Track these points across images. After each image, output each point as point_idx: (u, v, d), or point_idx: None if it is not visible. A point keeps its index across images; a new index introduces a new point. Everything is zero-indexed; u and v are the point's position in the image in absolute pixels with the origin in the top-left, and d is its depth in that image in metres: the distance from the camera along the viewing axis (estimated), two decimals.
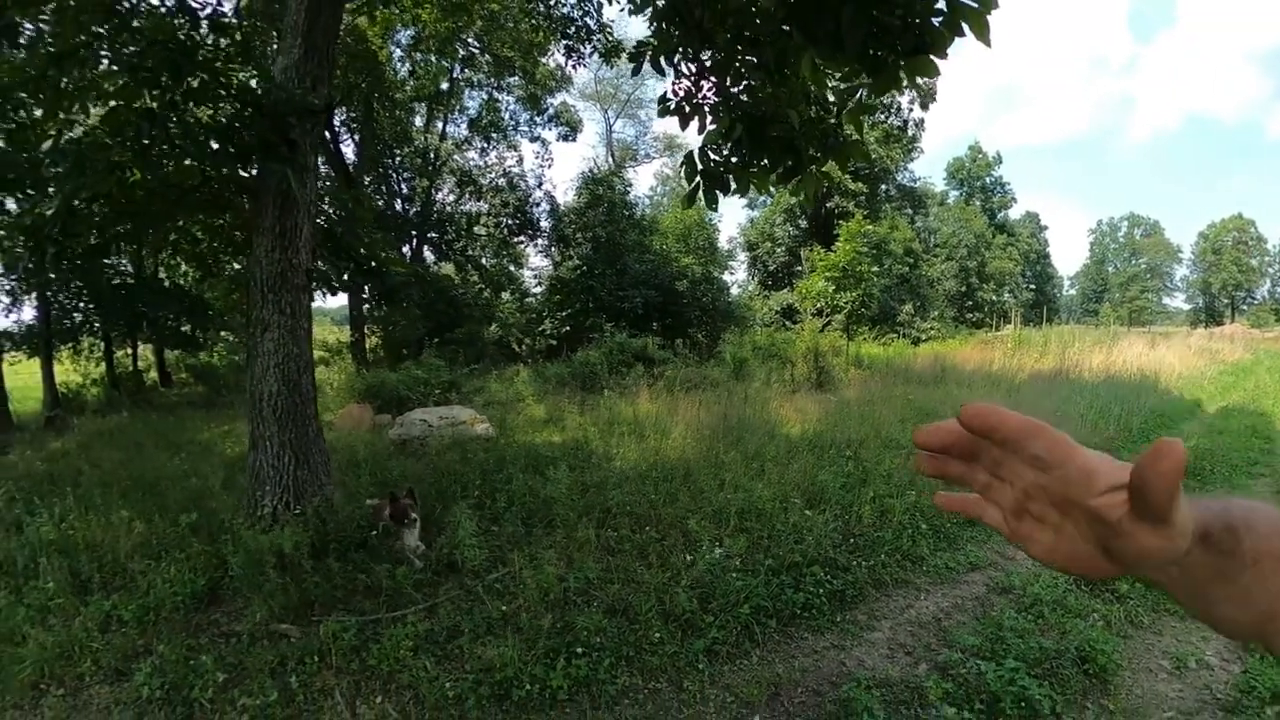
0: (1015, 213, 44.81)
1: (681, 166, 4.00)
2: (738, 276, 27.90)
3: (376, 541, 4.93)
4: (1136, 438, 10.07)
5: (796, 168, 3.78)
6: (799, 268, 26.05)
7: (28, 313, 13.79)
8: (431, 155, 21.78)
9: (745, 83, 3.85)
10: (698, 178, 3.92)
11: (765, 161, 3.84)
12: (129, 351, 16.81)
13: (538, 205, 23.42)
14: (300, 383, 5.39)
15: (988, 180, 43.18)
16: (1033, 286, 45.26)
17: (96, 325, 14.75)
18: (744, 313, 23.17)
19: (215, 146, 5.29)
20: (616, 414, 9.99)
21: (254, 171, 5.58)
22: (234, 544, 4.57)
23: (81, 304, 14.24)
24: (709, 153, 3.85)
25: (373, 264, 7.16)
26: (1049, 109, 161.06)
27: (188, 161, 5.33)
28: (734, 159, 3.84)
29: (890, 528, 5.82)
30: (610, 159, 30.41)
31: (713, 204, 4.03)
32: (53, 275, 12.04)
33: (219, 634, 4.00)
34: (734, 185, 3.96)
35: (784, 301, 24.87)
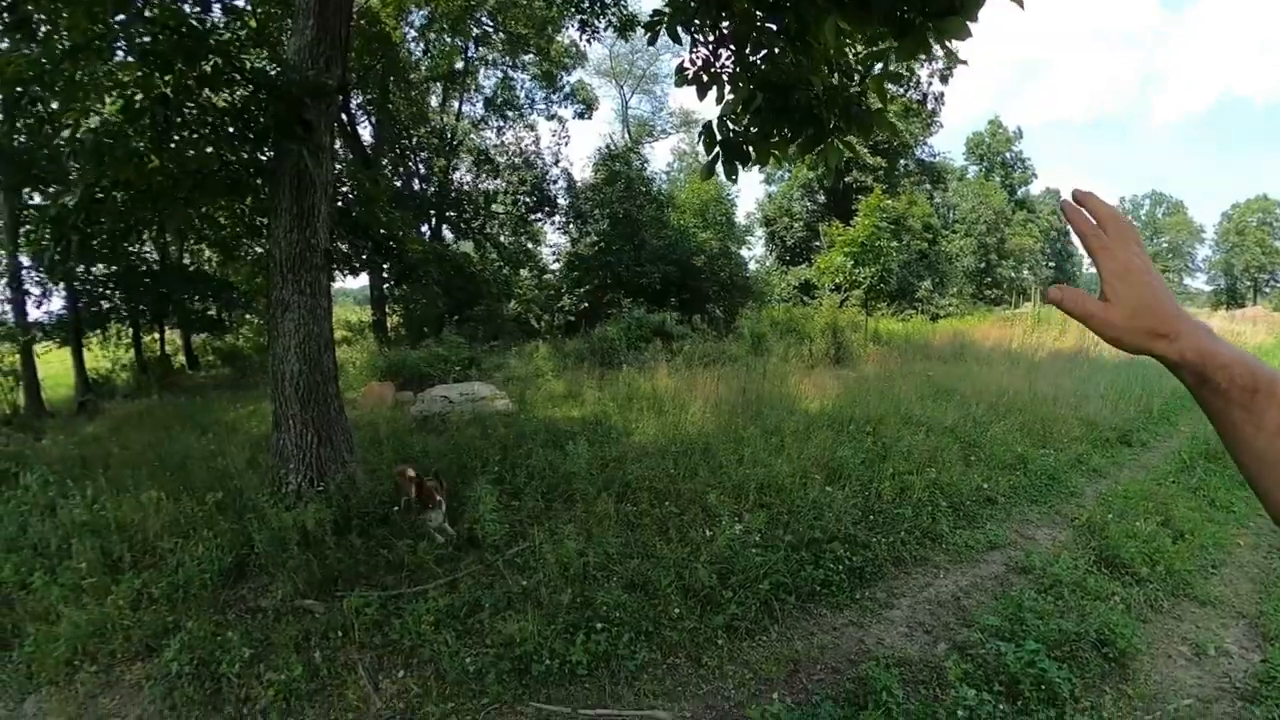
0: (1035, 189, 43.57)
1: (700, 138, 3.87)
2: (755, 252, 27.62)
3: (399, 516, 4.93)
4: (1157, 420, 9.84)
5: (818, 138, 3.63)
6: (817, 243, 25.65)
7: (56, 303, 13.97)
8: (448, 135, 21.66)
9: (765, 50, 3.69)
10: (716, 148, 3.79)
11: (786, 131, 3.69)
12: (156, 336, 17.01)
13: (555, 183, 23.26)
14: (321, 361, 5.37)
15: (1008, 155, 41.90)
16: (1052, 264, 44.21)
17: (124, 312, 14.89)
18: (762, 288, 22.95)
19: (231, 130, 5.29)
20: (635, 389, 9.92)
21: (270, 154, 5.55)
22: (258, 522, 4.59)
23: (109, 291, 14.39)
24: (728, 123, 3.71)
25: (391, 243, 7.18)
26: (1073, 85, 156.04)
27: (207, 149, 5.36)
28: (753, 129, 3.70)
29: (910, 504, 5.73)
30: (626, 135, 30.00)
31: (732, 175, 3.90)
32: (79, 265, 12.16)
33: (245, 610, 4.05)
34: (753, 156, 3.83)
35: (802, 277, 24.55)
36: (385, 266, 18.27)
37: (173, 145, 5.22)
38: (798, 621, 4.23)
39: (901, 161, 27.73)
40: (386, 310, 20.07)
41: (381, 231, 6.77)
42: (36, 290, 13.63)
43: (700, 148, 3.96)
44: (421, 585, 4.19)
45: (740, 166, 3.91)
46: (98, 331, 14.65)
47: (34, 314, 13.23)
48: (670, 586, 4.16)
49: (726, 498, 5.47)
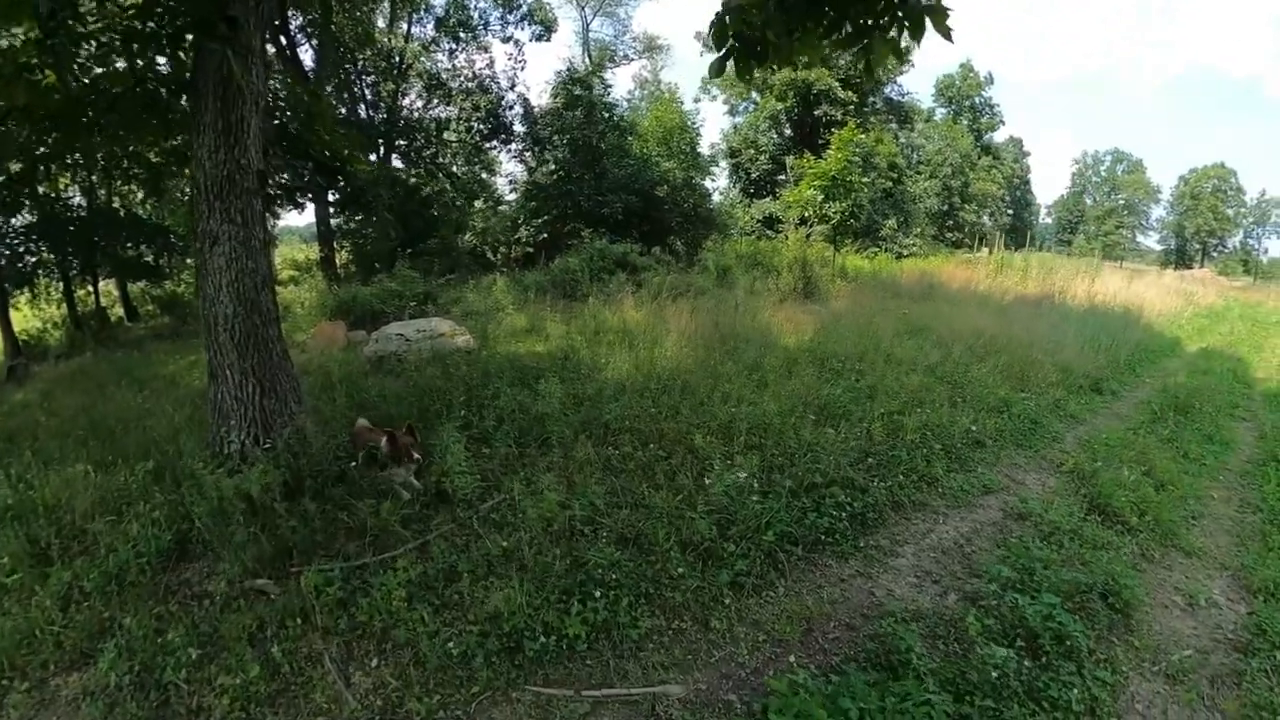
0: (1000, 136, 43.27)
1: (709, 30, 3.25)
2: (719, 184, 26.72)
3: (357, 473, 4.35)
4: (1124, 369, 9.89)
5: (861, 34, 3.03)
6: (782, 177, 25.04)
7: None
8: (396, 58, 19.87)
9: None
10: (730, 42, 3.18)
11: (820, 24, 3.08)
12: (90, 290, 15.49)
13: (511, 109, 21.68)
14: (259, 301, 4.65)
15: (977, 100, 41.24)
16: (1010, 211, 44.55)
17: (52, 265, 13.55)
18: (725, 220, 22.29)
19: (141, 28, 4.41)
20: (602, 322, 9.44)
21: (190, 59, 4.69)
22: (197, 492, 3.94)
23: (31, 243, 13.04)
24: (745, 11, 3.09)
25: (336, 164, 6.25)
26: (1053, 45, 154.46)
27: (117, 62, 4.58)
28: (776, 20, 3.07)
29: (904, 446, 5.46)
30: (587, 59, 28.25)
31: (745, 75, 3.31)
32: None
33: (190, 596, 3.47)
34: (772, 54, 3.22)
35: (766, 210, 24.00)
36: (331, 193, 16.91)
37: (72, 56, 4.38)
38: (804, 574, 3.94)
39: (871, 98, 26.99)
40: (335, 246, 18.75)
41: (325, 153, 5.83)
42: None
43: (709, 37, 3.34)
44: (389, 552, 3.68)
45: (755, 66, 3.32)
46: (24, 290, 13.26)
47: None
48: (667, 540, 3.79)
49: (714, 439, 5.09)
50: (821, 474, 4.68)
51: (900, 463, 5.22)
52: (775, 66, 3.19)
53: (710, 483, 4.38)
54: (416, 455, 4.19)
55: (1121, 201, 62.85)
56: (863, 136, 16.55)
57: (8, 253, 12.57)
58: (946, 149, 33.53)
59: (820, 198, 15.16)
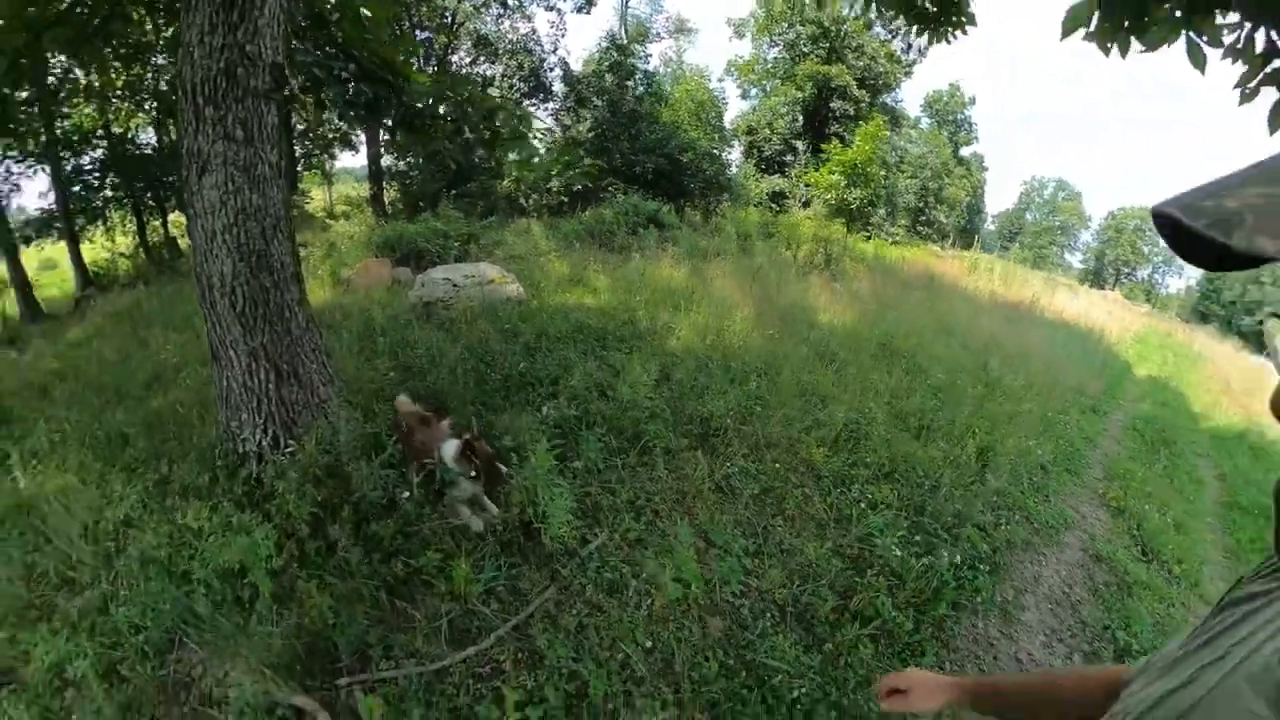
0: (966, 151, 41.60)
1: None
2: (733, 156, 24.77)
3: (411, 499, 2.63)
4: (1109, 389, 8.76)
5: None
6: (790, 158, 23.00)
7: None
8: (449, 16, 17.61)
9: None
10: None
11: None
12: (160, 222, 13.62)
13: (551, 70, 19.66)
14: (268, 254, 2.86)
15: (959, 117, 39.75)
16: (965, 215, 43.40)
17: (124, 199, 12.20)
18: (740, 190, 20.47)
19: None
20: (646, 278, 7.85)
21: None
22: (194, 552, 2.29)
23: (99, 179, 11.82)
24: None
25: (389, 76, 4.22)
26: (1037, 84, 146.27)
27: None
28: None
29: (1004, 472, 4.14)
30: (624, 33, 25.55)
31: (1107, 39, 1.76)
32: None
33: (200, 700, 1.95)
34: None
35: (775, 186, 22.14)
36: (385, 120, 14.61)
37: None
38: (962, 642, 2.69)
39: (881, 98, 24.77)
40: (384, 185, 16.72)
41: (372, 60, 3.80)
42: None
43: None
44: (473, 645, 2.14)
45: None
46: (96, 224, 11.76)
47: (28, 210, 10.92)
48: (840, 620, 2.50)
49: (827, 451, 3.69)
50: (954, 514, 3.33)
51: (1007, 495, 3.93)
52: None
53: (845, 516, 3.02)
54: (502, 468, 2.59)
55: (1058, 223, 62.56)
56: (887, 133, 14.76)
57: (80, 190, 11.30)
58: (929, 154, 31.61)
59: (843, 183, 13.45)
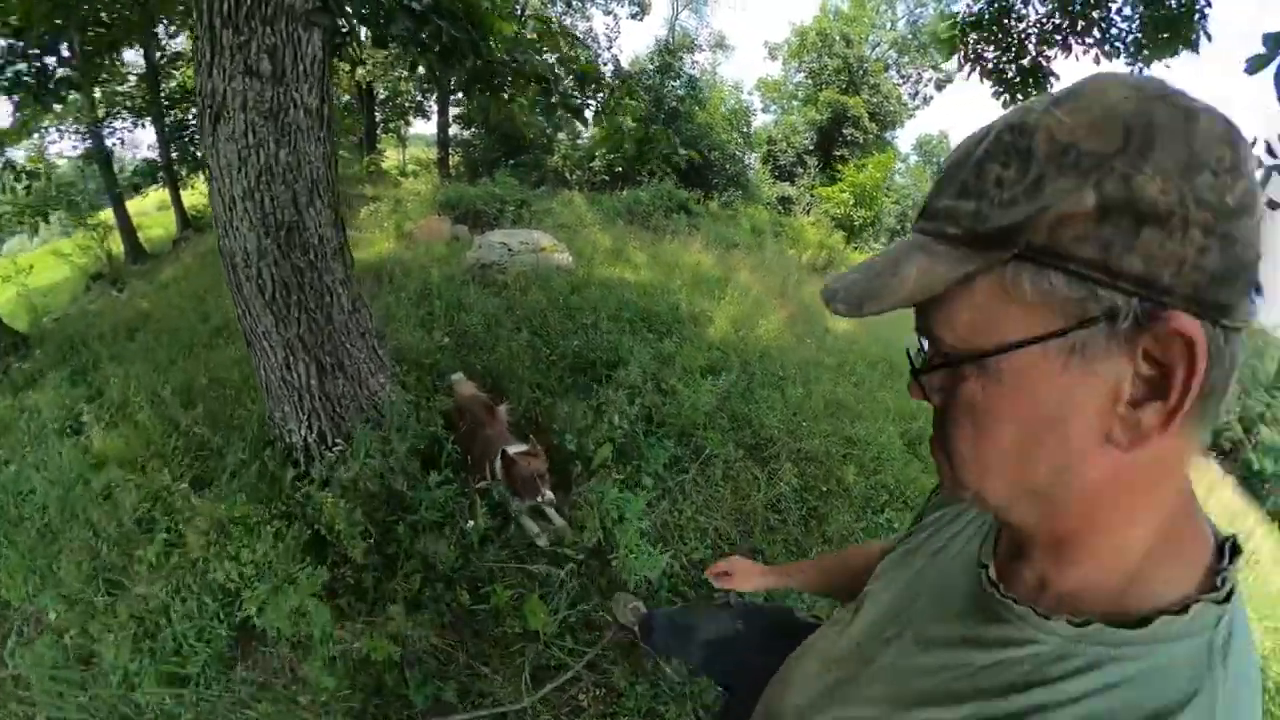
0: None
1: None
2: (751, 160, 23.31)
3: (474, 518, 1.93)
4: None
5: None
6: (800, 170, 21.59)
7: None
8: (519, 7, 15.94)
9: None
10: None
11: None
12: None
13: (606, 65, 17.96)
14: (303, 226, 1.92)
15: (940, 161, 37.40)
16: None
17: None
18: (755, 190, 19.27)
19: None
20: (681, 261, 7.02)
21: None
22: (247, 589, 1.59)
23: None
24: None
25: (469, 24, 3.04)
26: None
27: None
28: None
29: None
30: (672, 38, 23.64)
31: None
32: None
33: None
34: None
35: (784, 192, 20.93)
36: (447, 51, 13.20)
37: None
38: None
39: (887, 133, 23.15)
40: (450, 150, 15.42)
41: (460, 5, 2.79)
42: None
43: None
44: (550, 684, 1.57)
45: None
46: (197, 174, 10.42)
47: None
48: None
49: (858, 472, 3.00)
50: None
51: None
52: None
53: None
54: (546, 493, 1.81)
55: None
56: (895, 164, 13.63)
57: (182, 142, 10.16)
58: (912, 187, 30.05)
59: (851, 201, 12.38)
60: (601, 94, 3.54)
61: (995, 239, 0.32)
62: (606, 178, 15.29)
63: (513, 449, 1.79)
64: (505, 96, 3.63)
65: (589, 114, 3.87)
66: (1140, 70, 3.23)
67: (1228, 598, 0.34)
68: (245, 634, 1.60)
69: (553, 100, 2.92)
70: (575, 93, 3.33)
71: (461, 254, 5.92)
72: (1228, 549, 0.35)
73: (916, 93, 24.71)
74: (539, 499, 1.77)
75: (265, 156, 1.78)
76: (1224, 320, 0.30)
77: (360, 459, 1.96)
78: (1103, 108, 0.31)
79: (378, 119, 15.24)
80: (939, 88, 24.70)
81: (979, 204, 0.33)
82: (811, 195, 16.54)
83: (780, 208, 20.67)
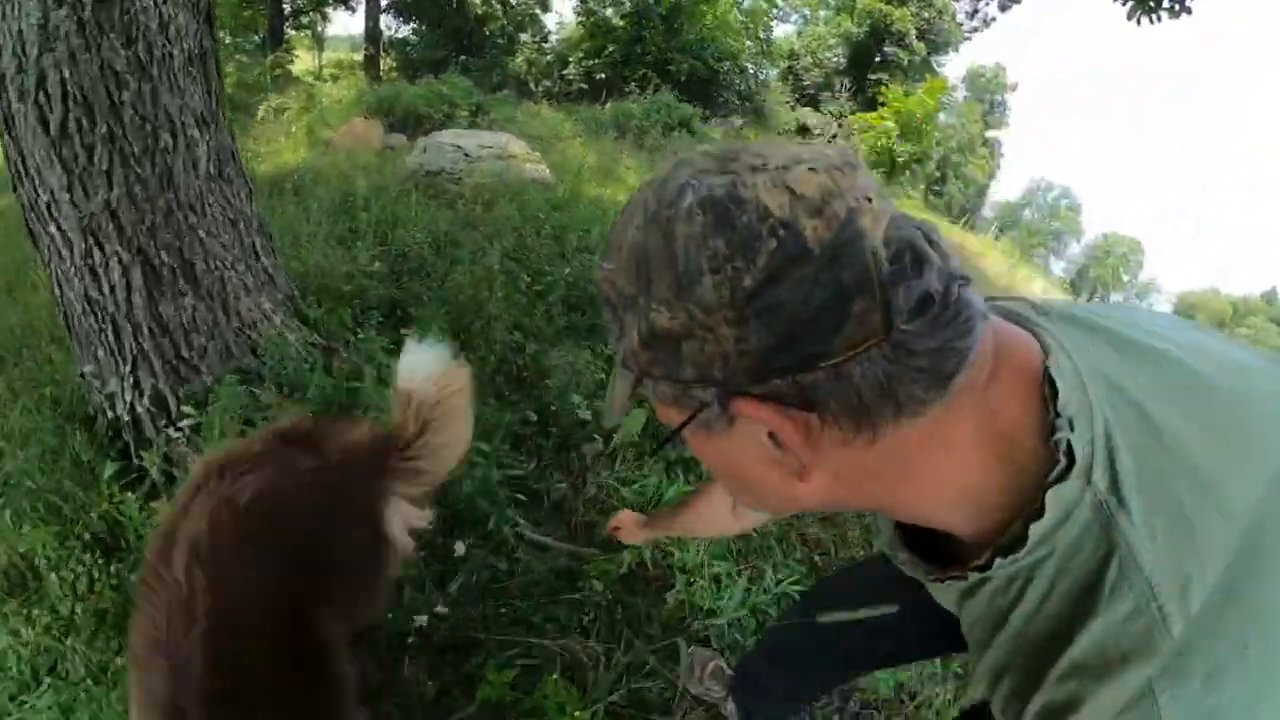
0: (991, 134, 39.27)
1: None
2: (767, 74, 22.39)
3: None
4: None
5: None
6: (826, 94, 20.94)
7: None
8: None
9: None
10: None
11: None
12: None
13: None
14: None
15: (995, 99, 36.14)
16: (975, 197, 41.81)
17: None
18: (772, 115, 18.58)
19: None
20: None
21: None
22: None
23: None
24: None
25: None
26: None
27: None
28: None
29: None
30: None
31: None
32: None
33: None
34: None
35: (806, 120, 20.26)
36: None
37: None
38: None
39: (936, 58, 22.53)
40: (382, 50, 14.19)
41: None
42: None
43: None
44: None
45: None
46: None
47: None
48: None
49: None
50: None
51: None
52: None
53: None
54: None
55: (1054, 226, 61.89)
56: (951, 93, 13.26)
57: None
58: (958, 126, 29.67)
59: (895, 132, 11.97)
60: None
61: (626, 365, 0.45)
62: (585, 86, 14.39)
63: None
64: None
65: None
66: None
67: (1071, 464, 0.41)
68: None
69: None
70: None
71: (398, 161, 5.32)
72: (1059, 438, 0.42)
73: (975, 10, 23.94)
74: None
75: None
76: (821, 363, 0.37)
77: (216, 434, 1.37)
78: (628, 249, 0.41)
79: (286, 10, 13.86)
80: (1003, 8, 24.11)
81: (610, 340, 0.47)
82: (839, 124, 16.00)
83: (797, 137, 20.17)
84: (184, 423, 1.53)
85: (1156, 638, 0.39)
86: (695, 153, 0.41)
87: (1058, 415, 0.42)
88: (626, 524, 1.17)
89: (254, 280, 1.77)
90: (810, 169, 0.38)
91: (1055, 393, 0.42)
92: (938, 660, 1.55)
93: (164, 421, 1.59)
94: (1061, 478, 0.41)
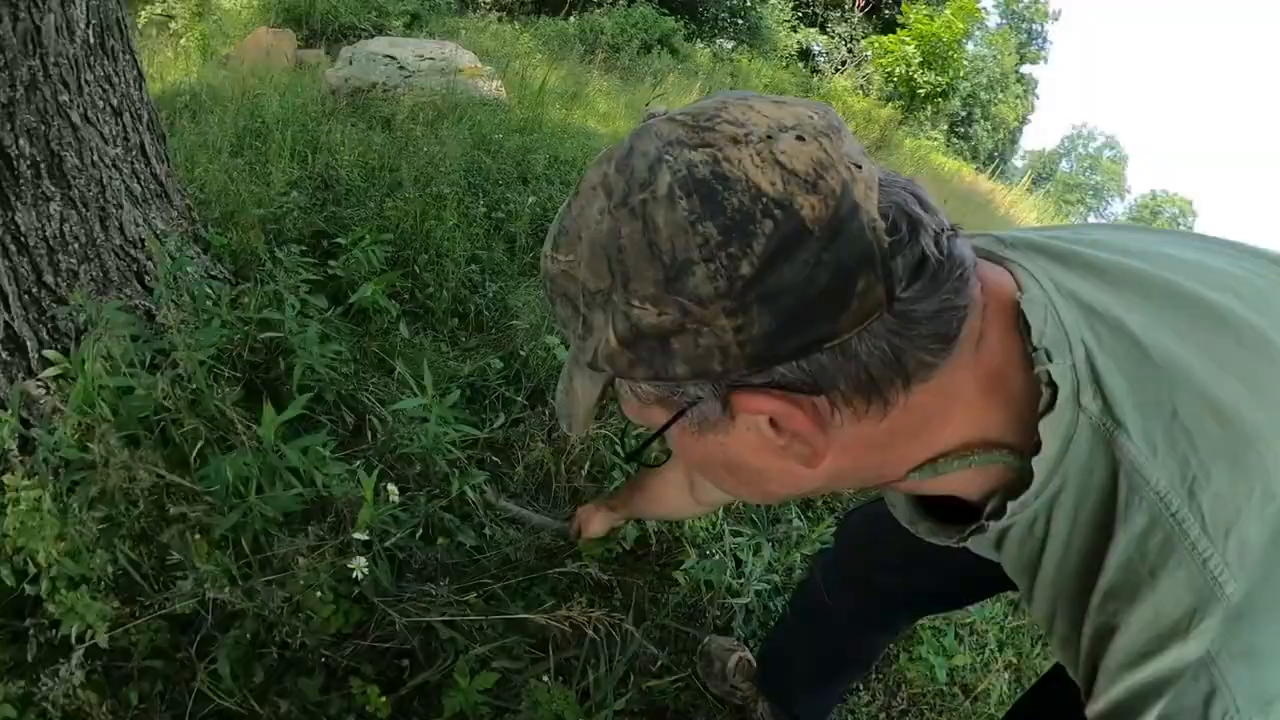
0: (1026, 69, 39.14)
1: None
2: None
3: None
4: None
5: None
6: (833, 14, 20.80)
7: None
8: None
9: None
10: None
11: None
12: None
13: None
14: None
15: (1035, 28, 35.51)
16: (1005, 142, 41.78)
17: None
18: (771, 36, 18.42)
19: None
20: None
21: None
22: None
23: None
24: None
25: None
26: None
27: None
28: None
29: None
30: None
31: None
32: None
33: None
34: None
35: (808, 41, 20.05)
36: None
37: None
38: None
39: None
40: None
41: None
42: None
43: None
44: None
45: None
46: None
47: None
48: None
49: None
50: None
51: None
52: None
53: None
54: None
55: (1094, 182, 62.66)
56: (984, 18, 13.35)
57: None
58: (989, 58, 29.69)
59: (917, 59, 11.97)
60: None
61: (595, 366, 0.46)
62: None
63: None
64: None
65: None
66: None
67: (1055, 395, 0.46)
68: None
69: None
70: None
71: (317, 76, 5.11)
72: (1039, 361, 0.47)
73: None
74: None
75: None
76: (826, 345, 0.40)
77: (89, 387, 1.23)
78: (588, 241, 0.42)
79: None
80: None
81: (569, 338, 0.49)
82: (849, 51, 15.93)
83: (798, 62, 19.90)
84: (46, 371, 1.39)
85: (1178, 545, 0.43)
86: (659, 119, 0.43)
87: (1034, 349, 0.46)
88: (586, 519, 1.24)
89: (141, 188, 1.59)
90: (798, 137, 0.40)
91: (1029, 325, 0.47)
92: (995, 649, 1.55)
93: (19, 370, 1.45)
94: (1049, 408, 0.46)
